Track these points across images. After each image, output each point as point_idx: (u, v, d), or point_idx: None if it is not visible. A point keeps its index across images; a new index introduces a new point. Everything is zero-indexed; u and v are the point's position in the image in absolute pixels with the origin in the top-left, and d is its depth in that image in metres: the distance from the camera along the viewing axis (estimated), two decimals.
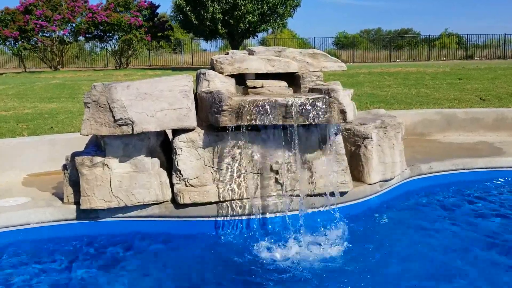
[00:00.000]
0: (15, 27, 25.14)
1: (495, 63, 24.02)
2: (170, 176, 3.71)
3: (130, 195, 3.60)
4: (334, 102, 3.53)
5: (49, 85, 14.67)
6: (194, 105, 3.66)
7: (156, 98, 3.52)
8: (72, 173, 3.72)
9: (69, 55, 31.63)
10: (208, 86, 3.80)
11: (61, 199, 3.82)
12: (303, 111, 3.40)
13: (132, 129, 3.44)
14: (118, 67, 28.82)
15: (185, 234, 3.71)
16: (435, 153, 5.25)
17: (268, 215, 3.76)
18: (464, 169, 4.89)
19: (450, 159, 4.98)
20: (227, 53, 4.18)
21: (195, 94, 3.85)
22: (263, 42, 38.80)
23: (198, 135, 3.65)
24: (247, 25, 25.50)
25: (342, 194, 3.94)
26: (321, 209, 3.82)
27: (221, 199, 3.70)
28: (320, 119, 3.45)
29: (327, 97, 3.52)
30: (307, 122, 3.44)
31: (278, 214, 3.75)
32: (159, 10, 29.79)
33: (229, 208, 3.72)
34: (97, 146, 3.82)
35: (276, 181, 3.77)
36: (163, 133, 3.86)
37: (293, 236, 3.54)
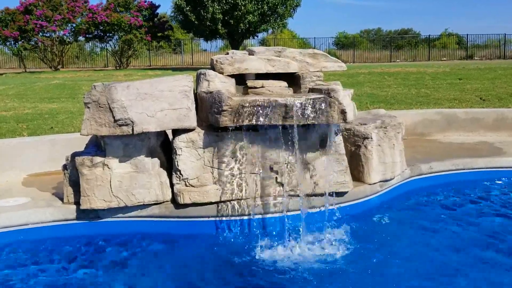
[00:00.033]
0: (15, 27, 25.15)
1: (495, 63, 24.02)
2: (170, 176, 3.71)
3: (130, 195, 3.60)
4: (334, 102, 3.53)
5: (49, 85, 14.68)
6: (194, 105, 3.66)
7: (156, 98, 3.52)
8: (72, 173, 3.72)
9: (69, 55, 31.64)
10: (208, 86, 3.80)
11: (61, 199, 3.82)
12: (303, 111, 3.40)
13: (132, 129, 3.44)
14: (118, 67, 28.82)
15: (185, 234, 3.71)
16: (435, 153, 5.25)
17: (268, 215, 3.76)
18: (464, 169, 4.89)
19: (450, 159, 4.98)
20: (227, 53, 4.18)
21: (195, 94, 3.85)
22: (263, 42, 38.80)
23: (198, 135, 3.65)
24: (247, 25, 25.50)
25: (342, 194, 3.94)
26: (321, 209, 3.82)
27: (221, 199, 3.70)
28: (320, 119, 3.45)
29: (327, 97, 3.53)
30: (307, 122, 3.45)
31: (278, 214, 3.75)
32: (159, 10, 29.83)
33: (229, 208, 3.72)
34: (97, 146, 3.82)
35: (276, 181, 3.77)
36: (163, 133, 3.86)
37: (293, 236, 3.54)
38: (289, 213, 3.75)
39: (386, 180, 4.27)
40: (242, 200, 3.73)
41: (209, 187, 3.69)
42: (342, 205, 3.97)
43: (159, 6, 28.92)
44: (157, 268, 3.32)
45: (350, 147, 4.20)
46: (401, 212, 4.21)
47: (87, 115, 3.47)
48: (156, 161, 3.72)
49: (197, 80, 3.92)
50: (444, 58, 34.15)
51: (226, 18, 24.98)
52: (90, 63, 33.91)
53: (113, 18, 26.81)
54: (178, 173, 3.65)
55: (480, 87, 10.87)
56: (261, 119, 3.37)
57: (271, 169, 3.75)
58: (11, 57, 31.40)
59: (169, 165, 3.77)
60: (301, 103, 3.39)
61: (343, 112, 3.64)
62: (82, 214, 3.66)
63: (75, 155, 3.67)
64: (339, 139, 3.94)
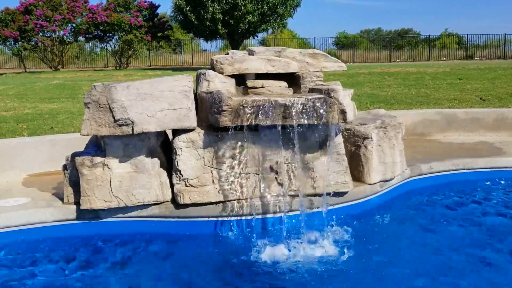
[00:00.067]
0: (15, 27, 25.15)
1: (495, 63, 24.03)
2: (170, 176, 3.71)
3: (130, 195, 3.60)
4: (334, 102, 3.53)
5: (49, 85, 14.68)
6: (194, 105, 3.66)
7: (156, 98, 3.52)
8: (72, 173, 3.72)
9: (69, 55, 31.65)
10: (208, 86, 3.80)
11: (61, 199, 3.82)
12: (303, 111, 3.40)
13: (132, 129, 3.44)
14: (118, 67, 28.83)
15: (185, 234, 3.71)
16: (435, 153, 5.25)
17: (268, 215, 3.76)
18: (464, 169, 4.89)
19: (450, 159, 4.98)
20: (227, 53, 4.18)
21: (195, 94, 3.85)
22: (263, 42, 38.81)
23: (198, 135, 3.65)
24: (247, 25, 25.51)
25: (342, 194, 3.94)
26: (321, 209, 3.82)
27: (221, 199, 3.70)
28: (320, 119, 3.45)
29: (327, 97, 3.53)
30: (307, 122, 3.44)
31: (278, 215, 3.75)
32: (159, 10, 29.84)
33: (229, 208, 3.72)
34: (97, 146, 3.82)
35: (276, 181, 3.77)
36: (163, 133, 3.86)
37: (293, 237, 3.54)
38: (289, 213, 3.75)
39: (386, 180, 4.27)
40: (242, 200, 3.73)
41: (209, 187, 3.69)
42: (342, 205, 3.97)
43: (159, 6, 28.94)
44: (157, 268, 3.32)
45: (350, 147, 4.20)
46: (401, 212, 4.21)
47: (87, 115, 3.47)
48: (156, 161, 3.72)
49: (197, 80, 3.92)
50: (444, 58, 34.15)
51: (226, 18, 24.98)
52: (90, 63, 33.91)
53: (113, 18, 26.82)
54: (178, 173, 3.65)
55: (480, 87, 10.87)
56: (261, 119, 3.38)
57: (271, 169, 3.75)
58: (11, 57, 31.41)
59: (169, 165, 3.77)
60: (301, 103, 3.39)
61: (343, 112, 3.64)
62: (82, 214, 3.66)
63: (75, 155, 3.67)
64: (339, 139, 3.94)
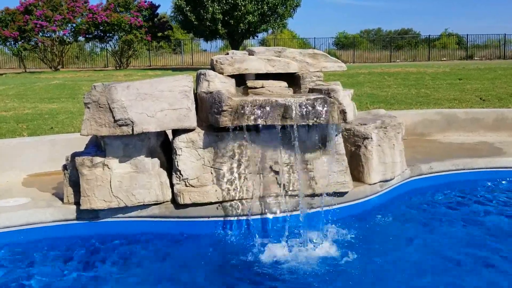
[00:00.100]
0: (15, 27, 25.15)
1: (495, 63, 24.03)
2: (170, 176, 3.71)
3: (130, 196, 3.60)
4: (334, 102, 3.53)
5: (49, 86, 14.68)
6: (194, 106, 3.66)
7: (156, 98, 3.52)
8: (72, 173, 3.72)
9: (69, 55, 31.64)
10: (208, 87, 3.80)
11: (61, 199, 3.82)
12: (303, 111, 3.40)
13: (132, 130, 3.44)
14: (118, 68, 28.82)
15: (185, 234, 3.71)
16: (435, 153, 5.25)
17: (268, 216, 3.76)
18: (464, 169, 4.89)
19: (450, 159, 4.98)
20: (227, 54, 4.18)
21: (195, 95, 3.85)
22: (263, 43, 38.81)
23: (198, 135, 3.65)
24: (247, 26, 25.51)
25: (342, 194, 3.94)
26: (321, 209, 3.82)
27: (221, 200, 3.70)
28: (320, 119, 3.45)
29: (327, 97, 3.53)
30: (307, 123, 3.44)
31: (278, 215, 3.75)
32: (159, 10, 29.84)
33: (229, 209, 3.72)
34: (97, 146, 3.82)
35: (276, 181, 3.77)
36: (163, 134, 3.86)
37: (293, 237, 3.54)
38: (289, 213, 3.75)
39: (386, 180, 4.27)
40: (242, 200, 3.73)
41: (209, 187, 3.69)
42: (342, 205, 3.97)
43: (159, 6, 28.94)
44: (157, 268, 3.32)
45: (350, 147, 4.20)
46: (401, 212, 4.21)
47: (87, 115, 3.47)
48: (156, 161, 3.72)
49: (197, 80, 3.92)
50: (444, 58, 34.15)
51: (226, 18, 24.98)
52: (90, 63, 33.91)
53: (113, 18, 26.82)
54: (178, 173, 3.65)
55: (480, 87, 10.87)
56: (261, 119, 3.38)
57: (271, 169, 3.75)
58: (11, 57, 31.40)
59: (169, 165, 3.77)
60: (301, 103, 3.39)
61: (343, 112, 3.64)
62: (82, 214, 3.66)
63: (75, 155, 3.67)
64: (339, 139, 3.94)
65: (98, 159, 3.55)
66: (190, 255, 3.48)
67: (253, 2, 24.53)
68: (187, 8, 25.10)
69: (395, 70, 17.83)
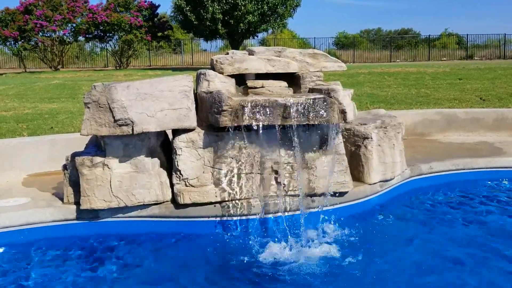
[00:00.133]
0: (15, 27, 25.15)
1: (495, 63, 24.03)
2: (170, 176, 3.71)
3: (130, 195, 3.60)
4: (334, 102, 3.53)
5: (49, 85, 14.68)
6: (194, 105, 3.66)
7: (156, 98, 3.52)
8: (72, 173, 3.72)
9: (69, 55, 31.64)
10: (208, 86, 3.80)
11: (61, 199, 3.82)
12: (303, 111, 3.40)
13: (132, 129, 3.44)
14: (118, 67, 28.82)
15: (185, 234, 3.71)
16: (435, 153, 5.25)
17: (268, 215, 3.76)
18: (464, 169, 4.89)
19: (451, 159, 4.98)
20: (227, 53, 4.18)
21: (195, 94, 3.85)
22: (263, 42, 38.81)
23: (198, 135, 3.65)
24: (247, 25, 25.51)
25: (342, 194, 3.94)
26: (321, 209, 3.82)
27: (221, 199, 3.70)
28: (320, 119, 3.45)
29: (327, 97, 3.53)
30: (307, 122, 3.44)
31: (278, 214, 3.75)
32: (159, 10, 29.83)
33: (229, 208, 3.72)
34: (97, 146, 3.82)
35: (276, 181, 3.77)
36: (163, 133, 3.86)
37: (293, 237, 3.54)
38: (289, 213, 3.75)
39: (386, 180, 4.27)
40: (242, 200, 3.73)
41: (209, 187, 3.68)
42: (342, 205, 3.97)
43: (159, 6, 28.94)
44: (157, 268, 3.32)
45: (350, 147, 4.20)
46: (401, 212, 4.20)
47: (87, 115, 3.47)
48: (156, 161, 3.72)
49: (197, 80, 3.92)
50: (444, 58, 34.15)
51: (226, 18, 24.98)
52: (90, 63, 33.91)
53: (113, 18, 26.82)
54: (178, 173, 3.65)
55: (480, 87, 10.87)
56: (261, 119, 3.37)
57: (271, 169, 3.75)
58: (11, 57, 31.40)
59: (169, 165, 3.77)
60: (301, 103, 3.39)
61: (343, 112, 3.64)
62: (82, 214, 3.66)
63: (75, 155, 3.67)
64: (339, 139, 3.94)
65: (98, 159, 3.55)
66: (190, 255, 3.48)
67: (253, 2, 24.53)
68: (187, 8, 25.10)
69: (395, 70, 17.83)
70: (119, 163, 3.59)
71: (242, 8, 24.40)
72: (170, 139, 3.81)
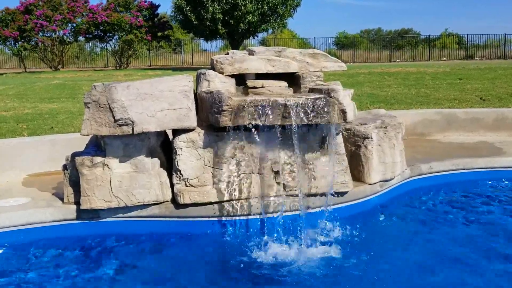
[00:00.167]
0: (15, 27, 25.15)
1: (495, 63, 24.03)
2: (170, 176, 3.71)
3: (130, 195, 3.60)
4: (334, 102, 3.53)
5: (49, 85, 14.68)
6: (194, 105, 3.66)
7: (156, 98, 3.52)
8: (72, 173, 3.72)
9: (69, 55, 31.65)
10: (208, 86, 3.80)
11: (61, 199, 3.82)
12: (303, 111, 3.40)
13: (132, 129, 3.44)
14: (118, 67, 28.83)
15: (185, 234, 3.71)
16: (435, 153, 5.25)
17: (268, 215, 3.76)
18: (464, 169, 4.89)
19: (451, 159, 4.98)
20: (227, 53, 4.18)
21: (195, 94, 3.85)
22: (263, 42, 38.80)
23: (198, 135, 3.65)
24: (247, 25, 25.51)
25: (342, 194, 3.94)
26: (321, 209, 3.82)
27: (221, 199, 3.70)
28: (320, 119, 3.45)
29: (327, 97, 3.53)
30: (307, 122, 3.44)
31: (278, 214, 3.75)
32: (159, 10, 29.82)
33: (229, 208, 3.72)
34: (97, 146, 3.82)
35: (276, 181, 3.76)
36: (163, 133, 3.86)
37: (293, 237, 3.54)
38: (289, 213, 3.75)
39: (386, 180, 4.27)
40: (242, 200, 3.73)
41: (209, 187, 3.69)
42: (342, 205, 3.97)
43: (159, 6, 28.94)
44: (157, 268, 3.32)
45: (350, 147, 4.20)
46: (401, 212, 4.21)
47: (87, 115, 3.47)
48: (156, 161, 3.72)
49: (197, 80, 3.92)
50: (444, 58, 34.15)
51: (226, 18, 24.99)
52: (90, 63, 33.91)
53: (113, 18, 26.82)
54: (178, 173, 3.65)
55: (480, 87, 10.87)
56: (261, 119, 3.37)
57: (271, 169, 3.75)
58: (11, 57, 31.40)
59: (169, 165, 3.77)
60: (301, 103, 3.39)
61: (343, 112, 3.64)
62: (82, 214, 3.66)
63: (75, 155, 3.67)
64: (339, 139, 3.94)
65: (98, 159, 3.55)
66: (190, 255, 3.48)
67: (253, 2, 24.53)
68: (187, 8, 25.11)
69: (395, 70, 17.83)
70: (119, 163, 3.59)
71: (242, 8, 24.40)
72: (170, 139, 3.81)
